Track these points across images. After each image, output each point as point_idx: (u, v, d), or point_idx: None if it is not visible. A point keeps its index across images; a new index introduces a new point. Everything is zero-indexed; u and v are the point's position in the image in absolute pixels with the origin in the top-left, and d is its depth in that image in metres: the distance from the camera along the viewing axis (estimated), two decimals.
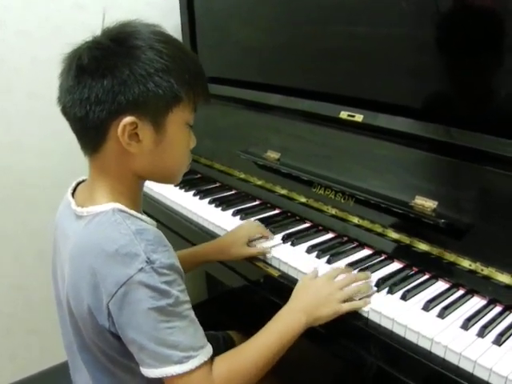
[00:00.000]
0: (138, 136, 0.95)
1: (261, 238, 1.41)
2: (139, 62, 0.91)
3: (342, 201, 1.43)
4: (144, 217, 1.01)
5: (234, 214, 1.59)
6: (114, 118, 0.93)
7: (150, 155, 0.98)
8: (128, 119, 0.92)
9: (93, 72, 0.91)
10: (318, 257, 1.31)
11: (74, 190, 1.10)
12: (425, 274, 1.22)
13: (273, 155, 1.67)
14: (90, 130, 0.95)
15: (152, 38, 0.94)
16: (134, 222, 0.96)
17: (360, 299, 1.13)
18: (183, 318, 0.93)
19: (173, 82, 0.94)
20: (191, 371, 0.91)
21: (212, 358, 0.97)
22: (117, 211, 0.96)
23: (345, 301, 1.12)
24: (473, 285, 1.15)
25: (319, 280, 1.17)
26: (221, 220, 1.56)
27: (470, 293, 1.15)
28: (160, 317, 0.90)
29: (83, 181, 1.10)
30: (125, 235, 0.92)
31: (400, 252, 1.29)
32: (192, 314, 0.96)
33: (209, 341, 0.99)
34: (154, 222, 1.06)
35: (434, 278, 1.21)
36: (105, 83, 0.91)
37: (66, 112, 0.97)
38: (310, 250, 1.34)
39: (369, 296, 1.14)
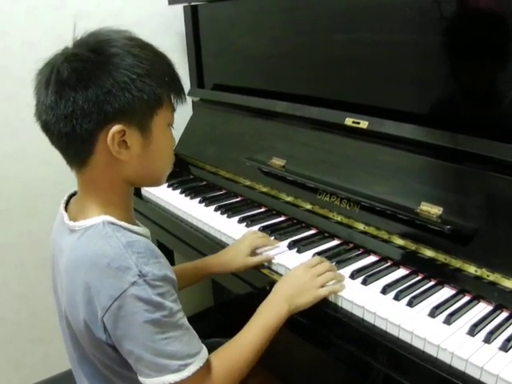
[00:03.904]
0: (126, 143, 0.95)
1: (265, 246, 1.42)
2: (120, 69, 0.91)
3: (348, 207, 1.43)
4: (135, 227, 1.00)
5: (240, 221, 1.59)
6: (102, 128, 0.92)
7: (139, 160, 0.98)
8: (116, 127, 0.92)
9: (75, 84, 0.90)
10: None
11: (68, 202, 1.10)
12: (431, 281, 1.22)
13: (278, 162, 1.68)
14: (78, 144, 0.94)
15: (128, 44, 0.94)
16: (125, 234, 0.95)
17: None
18: (178, 328, 0.94)
19: (154, 85, 0.94)
20: (188, 378, 0.92)
21: (208, 359, 0.98)
22: (107, 224, 0.95)
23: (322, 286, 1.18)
24: (479, 291, 1.15)
25: (297, 269, 1.23)
26: (226, 227, 1.56)
27: (476, 299, 1.14)
28: (155, 329, 0.90)
29: (76, 192, 1.10)
30: (115, 248, 0.92)
31: (406, 258, 1.29)
32: (185, 321, 0.97)
33: (215, 348, 1.01)
34: (148, 231, 1.07)
35: (440, 284, 1.21)
36: (89, 95, 0.90)
37: (48, 129, 0.95)
38: None
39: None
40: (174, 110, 1.03)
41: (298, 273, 1.21)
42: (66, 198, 1.10)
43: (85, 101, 0.90)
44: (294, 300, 1.14)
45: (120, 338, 0.92)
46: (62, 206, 1.08)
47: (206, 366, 0.97)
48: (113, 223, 0.96)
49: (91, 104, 0.90)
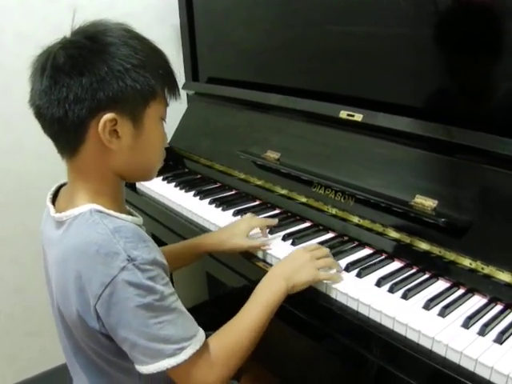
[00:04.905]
0: (118, 132, 0.95)
1: (261, 235, 1.42)
2: (115, 58, 0.92)
3: (342, 200, 1.43)
4: (123, 215, 0.99)
5: (235, 214, 1.59)
6: (94, 116, 0.93)
7: (130, 151, 0.98)
8: (108, 115, 0.92)
9: (70, 71, 0.91)
10: None
11: (57, 193, 1.10)
12: (425, 273, 1.22)
13: (273, 155, 1.67)
14: (69, 131, 0.94)
15: (125, 35, 0.95)
16: (112, 220, 0.95)
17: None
18: (171, 311, 0.93)
19: (149, 76, 0.95)
20: (186, 361, 0.92)
21: (207, 342, 0.98)
22: (94, 212, 0.95)
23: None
24: (473, 283, 1.15)
25: (296, 251, 1.24)
26: (221, 220, 1.55)
27: (471, 291, 1.15)
28: (148, 313, 0.90)
29: (65, 184, 1.10)
30: (102, 235, 0.92)
31: (400, 251, 1.29)
32: (179, 304, 0.96)
33: None
34: (141, 219, 1.06)
35: (435, 276, 1.21)
36: (83, 81, 0.90)
37: (41, 114, 0.95)
38: None
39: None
40: (167, 104, 1.03)
41: (296, 254, 1.22)
42: (53, 189, 1.10)
43: (78, 87, 0.90)
44: (291, 278, 1.13)
45: (114, 326, 0.92)
46: (49, 197, 1.08)
47: (205, 349, 0.97)
48: (100, 211, 0.96)
49: (85, 91, 0.91)
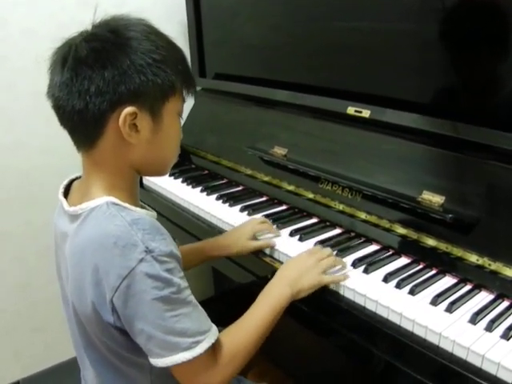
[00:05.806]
0: (137, 126, 0.95)
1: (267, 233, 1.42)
2: (138, 52, 0.92)
3: (350, 196, 1.43)
4: (139, 209, 1.00)
5: (242, 210, 1.59)
6: (114, 109, 0.93)
7: (147, 145, 0.99)
8: (129, 109, 0.93)
9: (93, 63, 0.91)
10: None
11: (69, 188, 1.10)
12: (432, 269, 1.22)
13: (280, 151, 1.68)
14: (89, 123, 0.94)
15: (146, 30, 0.96)
16: (129, 213, 0.95)
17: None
18: (187, 304, 0.94)
19: (169, 72, 0.95)
20: (201, 355, 0.93)
21: (219, 338, 0.99)
22: (111, 204, 0.95)
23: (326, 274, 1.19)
24: (480, 279, 1.15)
25: (300, 254, 1.24)
26: (228, 216, 1.56)
27: (478, 287, 1.14)
28: (165, 306, 0.90)
29: (76, 178, 1.10)
30: (120, 227, 0.92)
31: (407, 247, 1.29)
32: (193, 298, 0.97)
33: None
34: (155, 214, 1.06)
35: (442, 272, 1.21)
36: (105, 74, 0.91)
37: (60, 106, 0.95)
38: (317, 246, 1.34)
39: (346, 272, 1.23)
40: (184, 100, 1.04)
41: (301, 257, 1.22)
42: (65, 182, 1.10)
43: (100, 80, 0.91)
44: (296, 283, 1.14)
45: (130, 318, 0.92)
46: (61, 191, 1.08)
47: (217, 344, 0.98)
48: (116, 204, 0.96)
49: (106, 83, 0.91)
